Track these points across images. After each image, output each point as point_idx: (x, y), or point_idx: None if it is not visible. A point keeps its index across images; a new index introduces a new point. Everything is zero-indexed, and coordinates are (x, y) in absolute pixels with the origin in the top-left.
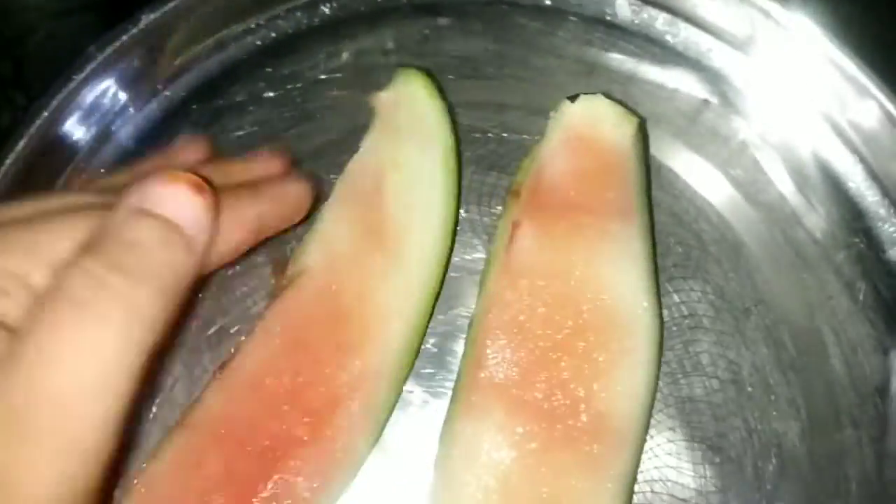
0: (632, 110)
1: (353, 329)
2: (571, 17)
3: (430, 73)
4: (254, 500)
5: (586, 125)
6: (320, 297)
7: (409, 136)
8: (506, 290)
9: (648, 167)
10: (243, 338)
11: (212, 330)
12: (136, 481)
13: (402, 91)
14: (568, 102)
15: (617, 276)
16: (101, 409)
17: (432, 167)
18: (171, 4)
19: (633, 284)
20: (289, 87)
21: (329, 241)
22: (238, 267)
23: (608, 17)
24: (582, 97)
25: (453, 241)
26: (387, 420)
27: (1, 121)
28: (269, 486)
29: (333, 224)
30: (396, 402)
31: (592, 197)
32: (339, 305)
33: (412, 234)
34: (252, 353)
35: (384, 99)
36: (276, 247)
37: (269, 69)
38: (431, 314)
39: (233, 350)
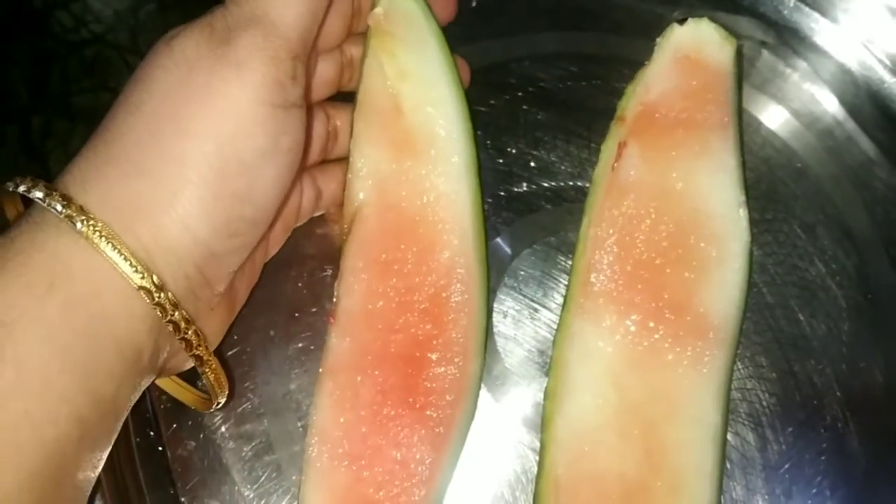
0: (732, 33)
1: (425, 233)
2: None
3: None
4: (417, 397)
5: (692, 46)
6: (384, 220)
7: (405, 42)
8: (612, 205)
9: (741, 87)
10: (335, 284)
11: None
12: (310, 438)
13: (390, 2)
14: (676, 25)
15: (715, 188)
16: None
17: (433, 63)
18: None
19: (729, 196)
20: None
21: (370, 171)
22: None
23: None
24: (690, 20)
25: (474, 118)
26: (488, 304)
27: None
28: (425, 382)
29: (366, 155)
30: (489, 283)
31: (695, 113)
32: (404, 218)
33: (439, 132)
34: (350, 291)
35: (377, 15)
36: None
37: None
38: (482, 189)
39: (334, 297)
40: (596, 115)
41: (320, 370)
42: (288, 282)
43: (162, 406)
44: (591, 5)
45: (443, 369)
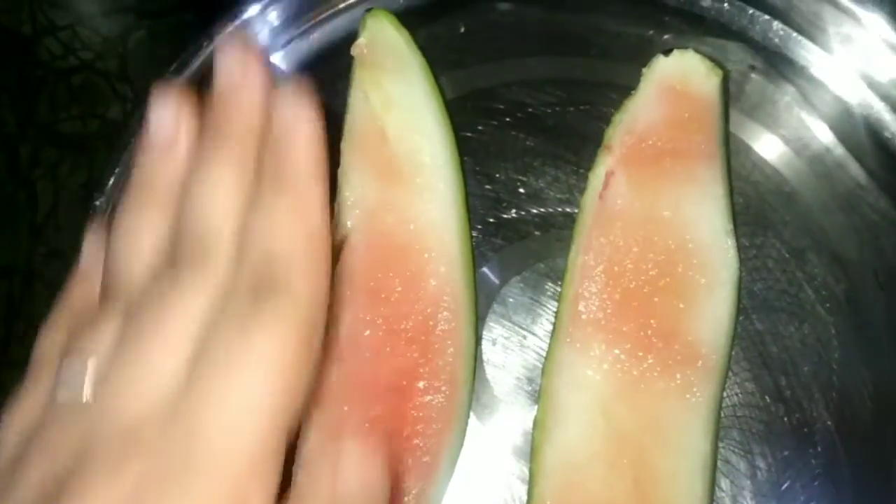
0: (718, 63)
1: (413, 261)
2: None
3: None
4: (404, 426)
5: (678, 77)
6: (372, 248)
7: (389, 72)
8: (600, 234)
9: (728, 115)
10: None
11: None
12: (297, 468)
13: (373, 31)
14: (661, 56)
15: (702, 216)
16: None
17: (418, 91)
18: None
19: (716, 224)
20: None
21: (357, 200)
22: None
23: None
24: (675, 51)
25: (459, 145)
26: (477, 327)
27: (112, 111)
28: (412, 410)
29: (353, 184)
30: (477, 310)
31: (681, 143)
32: (391, 247)
33: (425, 160)
34: (338, 320)
35: (360, 46)
36: None
37: None
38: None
39: None
40: (584, 140)
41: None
42: None
43: None
44: (579, 30)
45: (430, 398)
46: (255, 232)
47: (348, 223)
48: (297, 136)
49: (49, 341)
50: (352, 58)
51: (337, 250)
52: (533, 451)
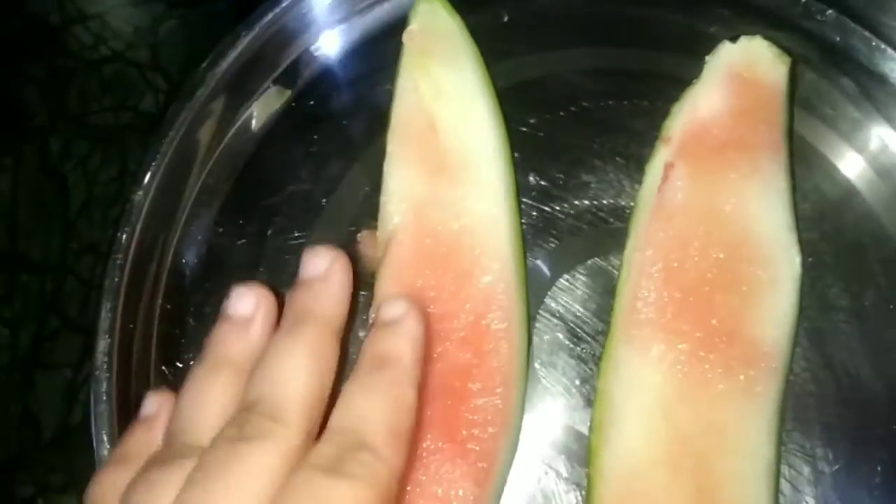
0: (786, 50)
1: (463, 258)
2: None
3: None
4: (458, 429)
5: (744, 65)
6: (420, 246)
7: (440, 59)
8: (658, 229)
9: (793, 106)
10: (370, 311)
11: None
12: None
13: (425, 17)
14: (728, 43)
15: (765, 211)
16: None
17: (470, 81)
18: None
19: (779, 218)
20: None
21: (404, 195)
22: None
23: None
24: (742, 38)
25: (510, 138)
26: (529, 331)
27: (144, 103)
28: (466, 414)
29: (400, 177)
30: (529, 309)
31: (745, 134)
32: (440, 243)
33: (476, 152)
34: None
35: (412, 32)
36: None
37: None
38: (520, 212)
39: (368, 324)
40: (635, 134)
41: None
42: None
43: None
44: (625, 20)
45: (484, 400)
46: (351, 408)
47: (395, 218)
48: (403, 329)
49: (107, 485)
50: (397, 46)
51: (383, 246)
52: (590, 456)
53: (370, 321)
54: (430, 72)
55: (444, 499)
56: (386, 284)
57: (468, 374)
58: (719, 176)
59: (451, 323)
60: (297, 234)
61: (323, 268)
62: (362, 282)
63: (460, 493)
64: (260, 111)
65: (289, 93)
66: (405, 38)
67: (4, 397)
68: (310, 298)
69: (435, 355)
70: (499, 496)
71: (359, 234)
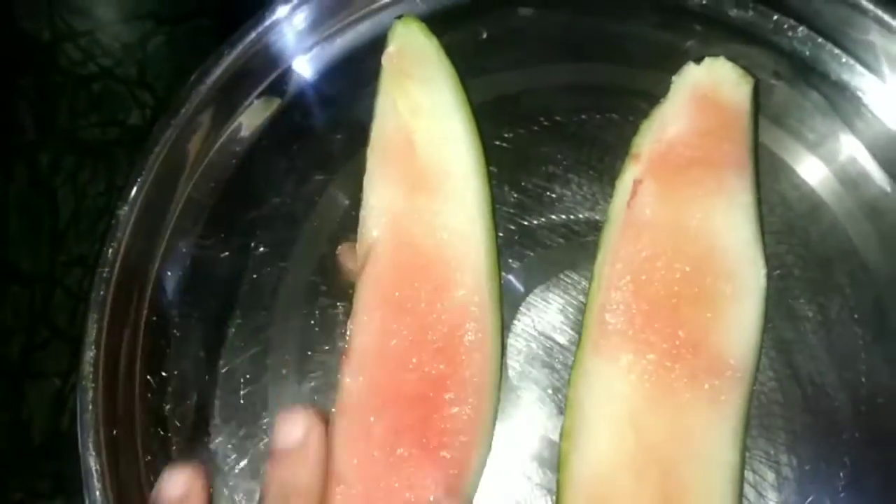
0: (748, 72)
1: (439, 271)
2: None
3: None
4: (430, 437)
5: (709, 86)
6: (399, 258)
7: (417, 80)
8: (627, 243)
9: (758, 124)
10: (348, 322)
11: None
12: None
13: (403, 39)
14: (693, 64)
15: (730, 226)
16: None
17: (446, 99)
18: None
19: (744, 233)
20: None
21: (383, 209)
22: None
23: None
24: (706, 59)
25: (486, 154)
26: (502, 343)
27: (131, 118)
28: (439, 422)
29: (380, 192)
30: (503, 321)
31: (711, 152)
32: (417, 256)
33: (452, 168)
34: (363, 329)
35: (390, 54)
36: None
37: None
38: (495, 226)
39: (347, 335)
40: (608, 148)
41: (333, 410)
42: (299, 319)
43: (174, 447)
44: (602, 36)
45: (457, 409)
46: None
47: (374, 232)
48: (307, 456)
49: None
50: (377, 63)
51: (362, 259)
52: (560, 462)
53: (347, 334)
54: (408, 91)
55: None
56: (364, 296)
57: (442, 385)
58: (686, 192)
59: (427, 334)
60: (279, 247)
61: (298, 436)
62: (341, 293)
63: (431, 499)
64: (243, 126)
65: (272, 108)
66: (384, 59)
67: None
68: (290, 473)
69: (410, 365)
70: (469, 502)
71: (339, 247)
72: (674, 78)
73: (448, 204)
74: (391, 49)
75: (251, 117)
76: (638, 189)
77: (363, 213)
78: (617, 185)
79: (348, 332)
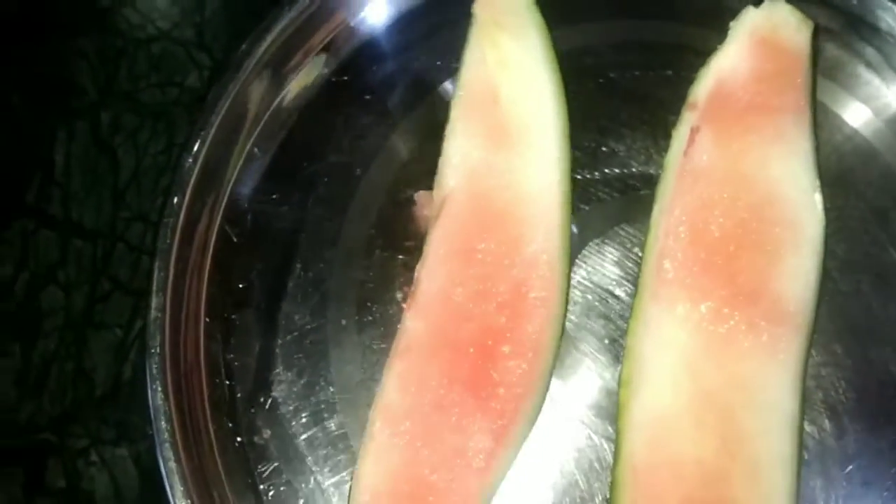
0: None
1: (512, 224)
2: None
3: None
4: (483, 387)
5: (768, 29)
6: (472, 210)
7: (508, 31)
8: (684, 191)
9: (816, 70)
10: (417, 267)
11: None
12: (373, 414)
13: None
14: (752, 8)
15: (789, 173)
16: None
17: (535, 54)
18: None
19: (803, 180)
20: None
21: (462, 159)
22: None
23: None
24: (765, 3)
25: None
26: (566, 300)
27: (189, 80)
28: (493, 374)
29: (460, 142)
30: (569, 280)
31: (770, 98)
32: (492, 209)
33: (534, 124)
34: (431, 276)
35: (484, 3)
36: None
37: None
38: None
39: (414, 279)
40: (662, 103)
41: (392, 350)
42: (358, 271)
43: (238, 395)
44: None
45: (513, 363)
46: None
47: (451, 182)
48: None
49: None
50: (430, 21)
51: (437, 208)
52: (619, 409)
53: (414, 279)
54: (498, 43)
55: (460, 448)
56: (436, 244)
57: (501, 337)
58: (744, 139)
59: (493, 286)
60: (337, 201)
61: None
62: (399, 245)
63: (477, 445)
64: (301, 84)
65: (329, 66)
66: (476, 8)
67: (59, 356)
68: None
69: (472, 315)
70: (515, 453)
71: (415, 194)
72: (731, 23)
73: (527, 159)
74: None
75: (308, 75)
76: (695, 137)
77: (442, 161)
78: (673, 134)
79: (416, 278)
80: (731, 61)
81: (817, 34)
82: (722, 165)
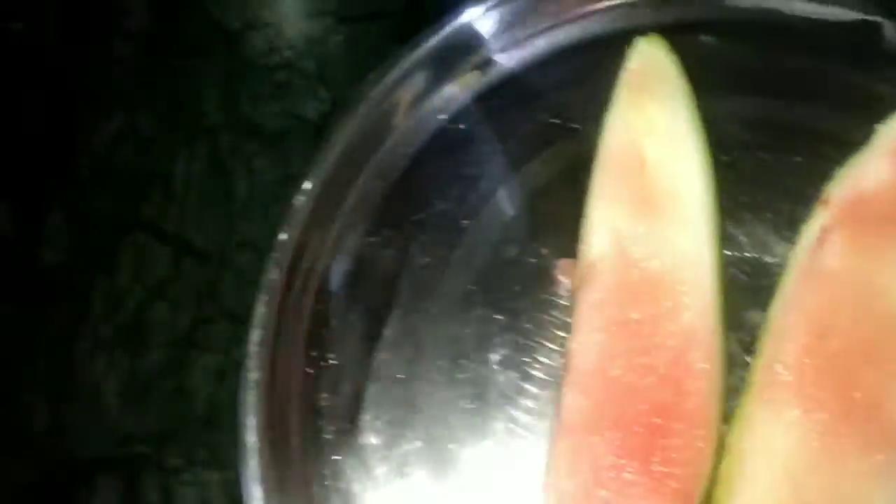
0: None
1: (665, 293)
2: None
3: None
4: (655, 466)
5: None
6: (623, 278)
7: (654, 98)
8: (809, 293)
9: None
10: (568, 340)
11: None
12: (547, 497)
13: (645, 56)
14: None
15: None
16: None
17: (682, 120)
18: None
19: None
20: None
21: (607, 226)
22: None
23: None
24: None
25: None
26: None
27: (308, 111)
28: (666, 450)
29: (604, 209)
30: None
31: None
32: (642, 277)
33: (682, 191)
34: (586, 349)
35: (631, 69)
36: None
37: None
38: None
39: (567, 352)
40: (788, 192)
41: (554, 427)
42: (455, 326)
43: (326, 436)
44: (794, 71)
45: (684, 440)
46: None
47: (597, 249)
48: None
49: None
50: (546, 76)
51: (582, 277)
52: None
53: (566, 352)
54: (643, 109)
55: None
56: (586, 313)
57: (668, 412)
58: (878, 248)
59: (651, 359)
60: (440, 251)
61: None
62: (498, 304)
63: None
64: (415, 128)
65: (445, 113)
66: (624, 74)
67: (161, 372)
68: None
69: (635, 390)
70: None
71: (558, 262)
72: (877, 126)
73: (676, 226)
74: (632, 65)
75: (423, 120)
76: (825, 237)
77: (586, 228)
78: (802, 229)
79: (568, 349)
80: (874, 166)
81: None
82: (853, 272)
